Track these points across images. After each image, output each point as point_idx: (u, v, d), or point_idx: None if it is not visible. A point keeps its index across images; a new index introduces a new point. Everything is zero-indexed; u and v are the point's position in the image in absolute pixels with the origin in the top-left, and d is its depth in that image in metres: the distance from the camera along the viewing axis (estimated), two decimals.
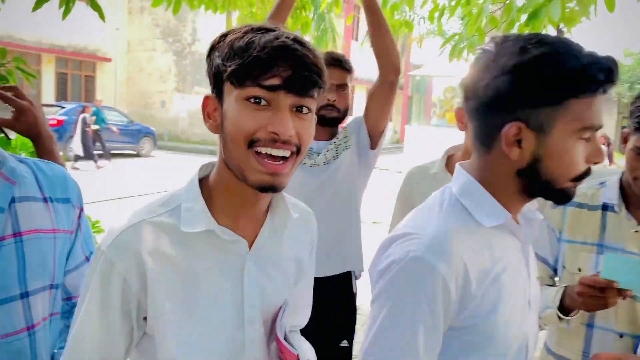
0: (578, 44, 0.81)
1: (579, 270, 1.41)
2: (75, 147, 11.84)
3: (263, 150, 0.81)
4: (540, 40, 0.81)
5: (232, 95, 0.82)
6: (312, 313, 1.17)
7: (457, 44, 2.84)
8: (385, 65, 1.93)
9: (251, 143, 0.81)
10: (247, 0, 3.86)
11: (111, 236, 0.85)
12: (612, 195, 1.41)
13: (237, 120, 0.81)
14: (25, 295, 0.97)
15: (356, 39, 21.39)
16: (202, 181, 0.92)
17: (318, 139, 1.93)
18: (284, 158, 0.82)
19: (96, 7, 2.05)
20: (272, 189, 0.83)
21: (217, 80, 0.84)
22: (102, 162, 12.21)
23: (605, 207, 1.42)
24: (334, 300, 2.01)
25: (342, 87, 1.95)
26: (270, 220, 0.94)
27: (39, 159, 1.11)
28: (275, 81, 0.79)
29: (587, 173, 0.86)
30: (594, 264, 1.38)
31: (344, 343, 2.07)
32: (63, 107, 13.06)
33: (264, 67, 0.78)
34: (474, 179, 0.90)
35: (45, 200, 1.04)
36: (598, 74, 0.78)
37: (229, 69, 0.80)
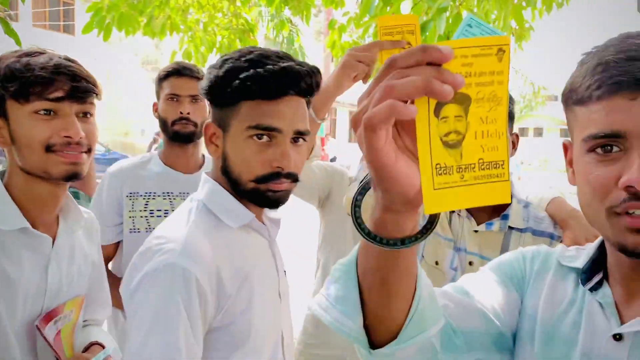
0: (277, 57, 0.92)
1: (437, 263, 1.39)
2: None
3: (59, 153, 0.97)
4: (240, 53, 0.93)
5: (18, 111, 0.95)
6: None
7: None
8: None
9: (47, 148, 0.95)
10: (187, 25, 3.65)
11: None
12: None
13: (29, 131, 0.94)
14: None
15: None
16: None
17: (187, 170, 1.74)
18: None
19: (11, 34, 1.98)
20: (75, 176, 0.99)
21: None
22: None
23: None
24: None
25: (195, 98, 1.69)
26: (64, 221, 1.08)
27: None
28: (59, 93, 0.95)
29: (272, 176, 0.91)
30: (450, 260, 1.37)
31: None
32: None
33: (47, 83, 0.94)
34: (217, 183, 0.97)
35: None
36: (252, 84, 0.88)
37: (12, 89, 0.94)
